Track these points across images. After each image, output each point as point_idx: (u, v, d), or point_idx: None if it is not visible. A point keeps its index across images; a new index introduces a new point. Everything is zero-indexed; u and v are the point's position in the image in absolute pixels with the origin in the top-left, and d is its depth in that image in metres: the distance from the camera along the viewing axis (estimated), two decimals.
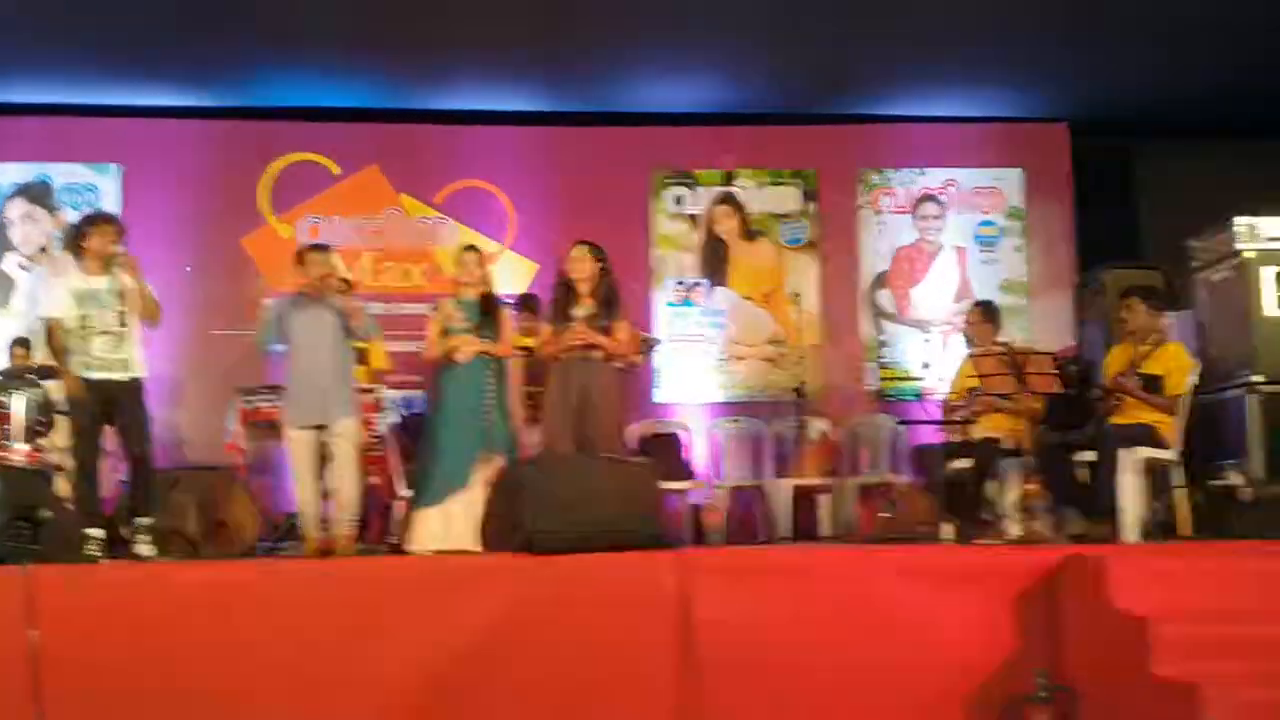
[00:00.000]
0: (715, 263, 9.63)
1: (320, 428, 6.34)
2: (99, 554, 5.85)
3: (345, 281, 7.98)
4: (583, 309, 6.50)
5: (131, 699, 4.41)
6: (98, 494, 6.17)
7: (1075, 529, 6.25)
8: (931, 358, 9.55)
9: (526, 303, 7.88)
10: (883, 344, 9.60)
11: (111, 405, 6.12)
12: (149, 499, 6.21)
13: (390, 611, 4.65)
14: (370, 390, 7.47)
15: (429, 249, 9.46)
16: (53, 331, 6.17)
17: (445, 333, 6.56)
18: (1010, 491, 6.69)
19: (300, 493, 6.40)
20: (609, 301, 6.54)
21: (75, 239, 6.30)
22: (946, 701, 4.73)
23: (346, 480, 6.30)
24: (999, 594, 4.87)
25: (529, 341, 7.34)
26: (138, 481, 6.19)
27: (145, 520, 6.11)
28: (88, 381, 6.09)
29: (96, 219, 6.44)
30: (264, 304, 6.38)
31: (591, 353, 6.43)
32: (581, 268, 6.53)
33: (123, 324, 6.12)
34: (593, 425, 6.35)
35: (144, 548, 6.03)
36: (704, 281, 9.60)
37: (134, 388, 6.18)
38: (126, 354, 6.14)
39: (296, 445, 6.37)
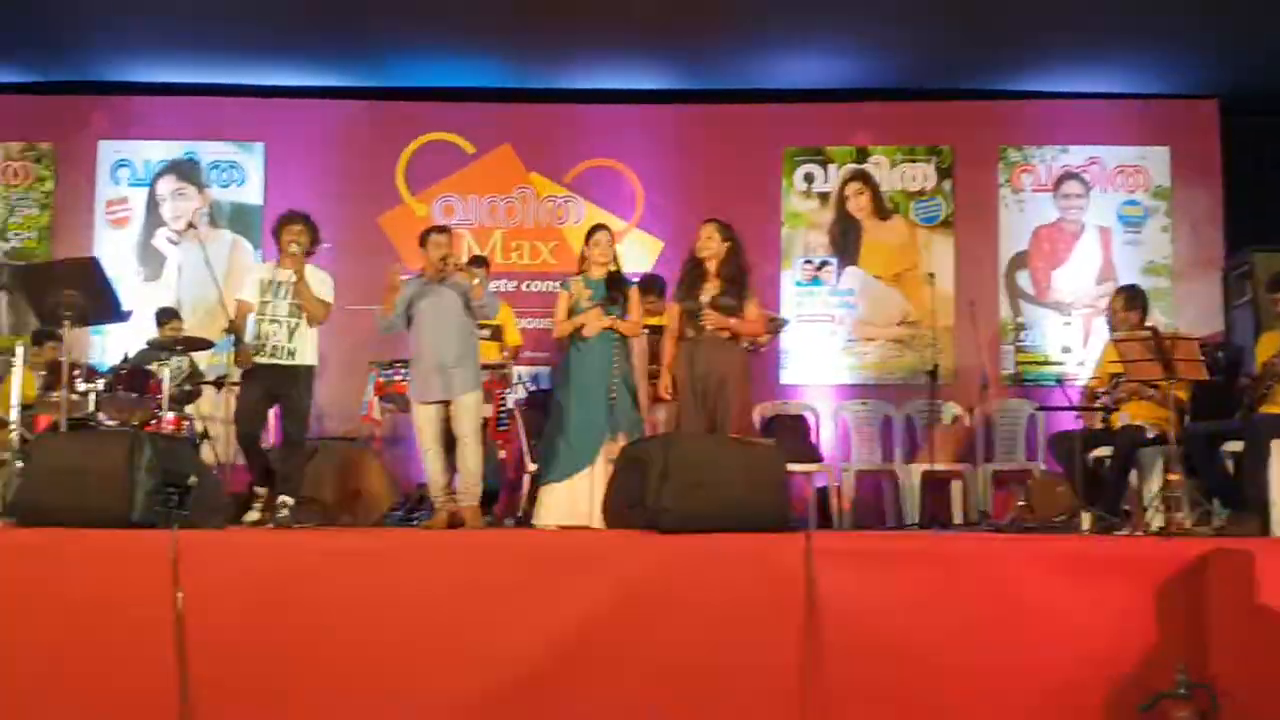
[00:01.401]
0: (846, 241, 9.51)
1: (444, 403, 6.46)
2: (261, 509, 6.33)
3: (480, 259, 8.13)
4: (711, 287, 6.48)
5: (267, 658, 4.53)
6: (263, 461, 6.62)
7: (1221, 522, 6.05)
8: (1072, 342, 9.33)
9: (650, 283, 7.88)
10: (1021, 327, 9.39)
11: (277, 388, 6.57)
12: (294, 477, 6.57)
13: (515, 584, 4.69)
14: (500, 367, 7.57)
15: (558, 227, 9.52)
16: (238, 311, 6.70)
17: (573, 311, 6.61)
18: (1153, 481, 6.51)
19: (428, 465, 6.55)
20: (737, 280, 6.51)
21: (274, 232, 6.81)
22: (1081, 696, 4.60)
23: (468, 454, 6.42)
24: (1139, 587, 4.71)
25: (655, 321, 7.35)
26: (287, 460, 6.59)
27: (289, 499, 6.43)
28: (258, 364, 6.56)
29: (286, 217, 6.84)
30: (393, 267, 6.57)
31: (720, 332, 6.42)
32: (710, 246, 6.51)
33: (294, 316, 6.58)
34: (720, 405, 6.34)
35: (283, 516, 6.37)
36: (834, 260, 9.49)
37: (298, 374, 6.60)
38: (294, 344, 6.58)
39: (422, 420, 6.52)
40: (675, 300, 6.62)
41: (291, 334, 6.58)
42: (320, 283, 6.69)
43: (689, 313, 6.48)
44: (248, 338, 6.66)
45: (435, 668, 4.52)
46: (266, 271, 6.80)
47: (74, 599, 4.53)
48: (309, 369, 6.65)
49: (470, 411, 6.45)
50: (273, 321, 6.60)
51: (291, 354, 6.58)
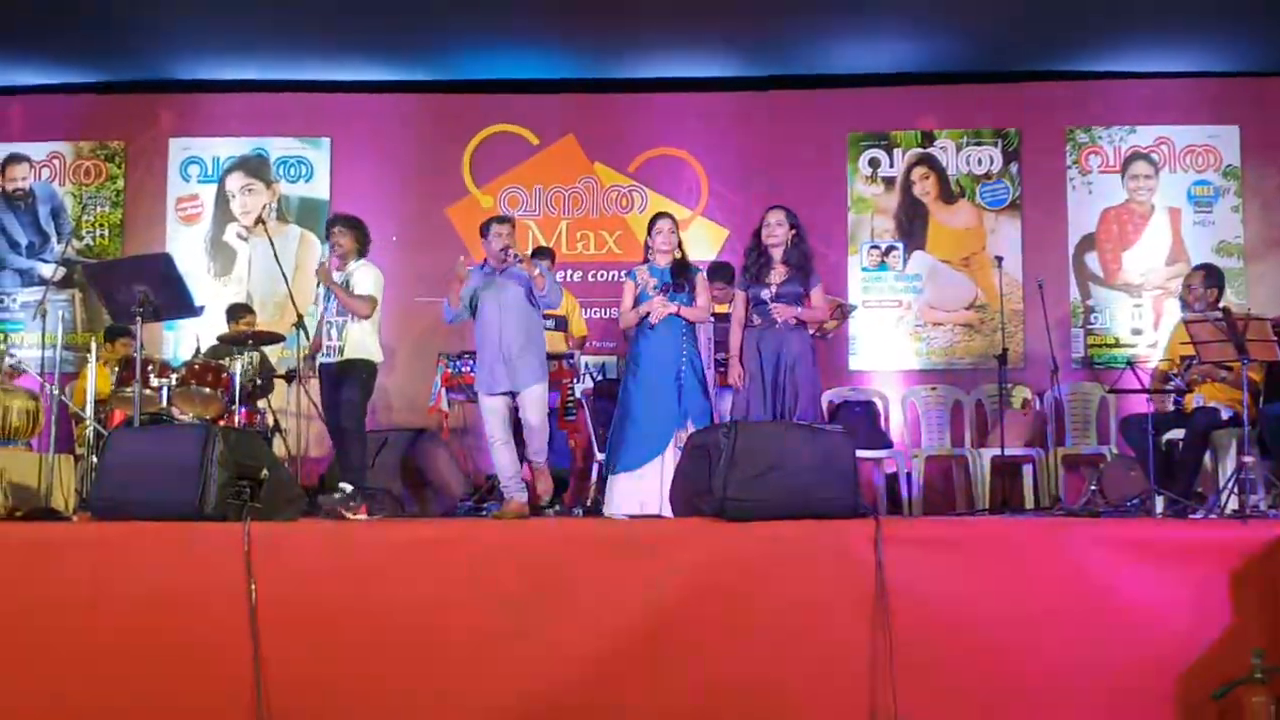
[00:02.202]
0: (912, 226, 9.44)
1: (511, 393, 6.49)
2: (351, 502, 6.52)
3: (546, 251, 8.16)
4: (776, 275, 6.46)
5: (340, 647, 4.58)
6: (343, 457, 6.88)
7: None
8: (1143, 324, 9.20)
9: (718, 270, 7.86)
10: (1091, 309, 9.27)
11: (333, 384, 6.84)
12: (348, 468, 6.76)
13: (586, 573, 4.71)
14: (567, 357, 7.59)
15: (623, 217, 9.54)
16: (319, 325, 7.06)
17: (639, 300, 6.61)
18: (1227, 464, 6.40)
19: (496, 456, 6.58)
20: (803, 267, 6.49)
21: (325, 237, 7.23)
22: (1154, 681, 4.54)
23: (533, 444, 6.51)
24: (1213, 570, 4.64)
25: (724, 308, 7.33)
26: (341, 451, 6.87)
27: (346, 486, 6.62)
28: (321, 363, 6.92)
29: (332, 220, 7.21)
30: (460, 262, 6.63)
31: (788, 320, 6.40)
32: (777, 233, 6.48)
33: (340, 315, 6.84)
34: (787, 392, 6.32)
35: (336, 498, 6.58)
36: (900, 245, 9.42)
37: (347, 370, 6.81)
38: (343, 341, 6.82)
39: (489, 410, 6.58)
40: (741, 288, 6.61)
41: (340, 332, 6.81)
42: (365, 279, 6.86)
43: (755, 301, 6.46)
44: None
45: (507, 656, 4.55)
46: (326, 276, 7.04)
47: (149, 591, 4.61)
48: (362, 363, 6.83)
49: (537, 402, 6.52)
50: (327, 322, 6.89)
51: (341, 351, 6.80)
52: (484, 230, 6.70)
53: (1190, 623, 4.59)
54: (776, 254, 6.49)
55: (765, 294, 6.41)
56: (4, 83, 9.62)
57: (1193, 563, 4.66)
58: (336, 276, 6.95)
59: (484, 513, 7.32)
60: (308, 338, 7.13)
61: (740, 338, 6.51)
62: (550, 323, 7.36)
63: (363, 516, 6.46)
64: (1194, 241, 9.22)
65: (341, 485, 6.59)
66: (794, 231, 6.51)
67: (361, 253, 6.98)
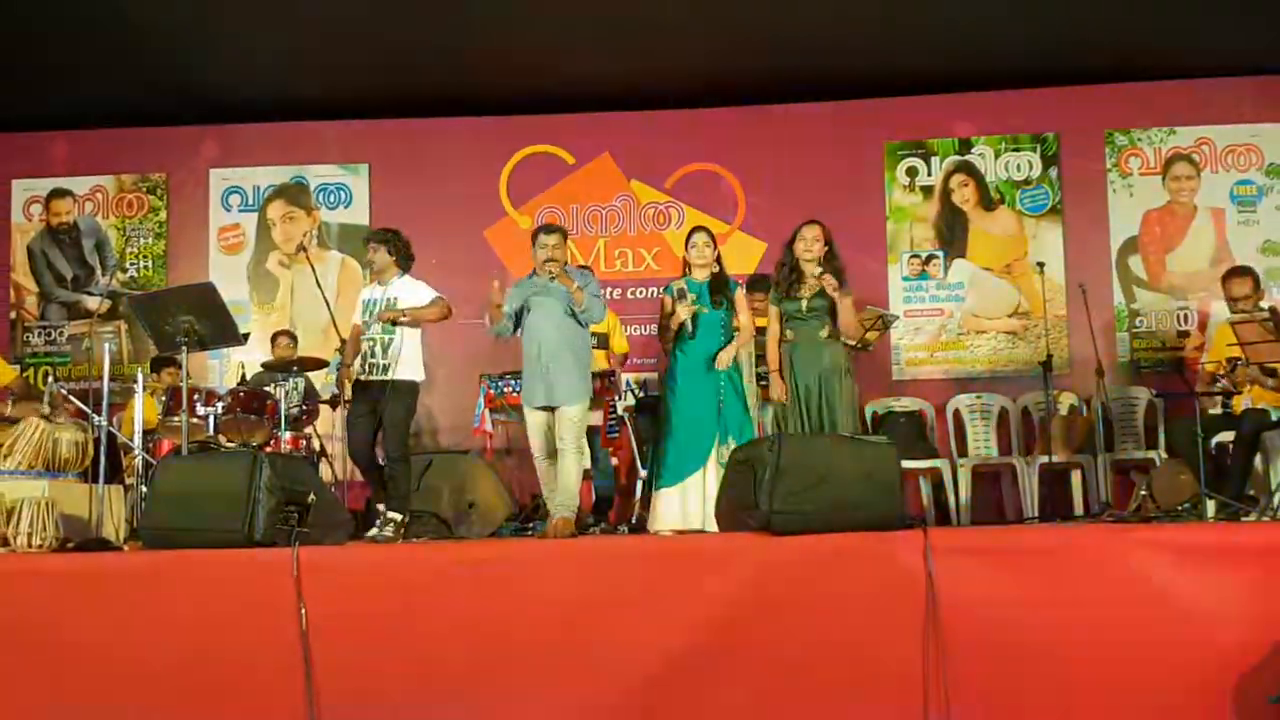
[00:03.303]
0: (953, 234, 9.39)
1: (551, 409, 6.44)
2: (382, 525, 6.39)
3: (584, 269, 8.16)
4: (808, 289, 6.46)
5: (392, 671, 4.60)
6: (379, 475, 6.65)
7: None
8: (1189, 326, 9.10)
9: (759, 282, 7.85)
10: (1135, 313, 9.18)
11: (377, 403, 6.56)
12: (398, 493, 6.55)
13: (634, 591, 4.70)
14: (609, 374, 7.59)
15: (660, 233, 9.54)
16: (351, 334, 6.80)
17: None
18: (1278, 465, 6.32)
19: (541, 472, 6.56)
20: (835, 280, 6.47)
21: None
22: (1209, 686, 4.48)
23: (567, 466, 6.35)
24: (1268, 573, 4.58)
25: (763, 321, 7.32)
26: (389, 475, 6.58)
27: (394, 515, 6.47)
28: (360, 380, 6.63)
29: (370, 235, 7.01)
30: (494, 286, 6.56)
31: (820, 332, 6.40)
32: (814, 249, 6.48)
33: (386, 332, 6.58)
34: (825, 404, 6.31)
35: (386, 534, 6.41)
36: (941, 254, 9.37)
37: (393, 389, 6.55)
38: (388, 359, 6.56)
39: (531, 425, 6.52)
40: (774, 302, 6.60)
41: (385, 350, 6.58)
42: (415, 291, 6.71)
43: (787, 316, 6.46)
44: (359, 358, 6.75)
45: (556, 676, 4.55)
46: (365, 291, 6.92)
47: (202, 618, 4.64)
48: (407, 384, 6.60)
49: (572, 422, 6.36)
50: (369, 339, 6.63)
51: (385, 369, 6.57)
52: (534, 239, 6.65)
53: (1245, 627, 4.53)
54: (810, 268, 6.49)
55: (803, 301, 6.41)
56: (46, 119, 9.75)
57: (1247, 566, 4.60)
58: (378, 292, 6.77)
59: (529, 533, 7.32)
60: (341, 367, 7.02)
61: (777, 352, 6.49)
62: (593, 340, 7.35)
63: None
64: (1238, 242, 9.12)
65: (390, 515, 6.46)
66: (827, 247, 6.52)
67: (403, 267, 6.80)
